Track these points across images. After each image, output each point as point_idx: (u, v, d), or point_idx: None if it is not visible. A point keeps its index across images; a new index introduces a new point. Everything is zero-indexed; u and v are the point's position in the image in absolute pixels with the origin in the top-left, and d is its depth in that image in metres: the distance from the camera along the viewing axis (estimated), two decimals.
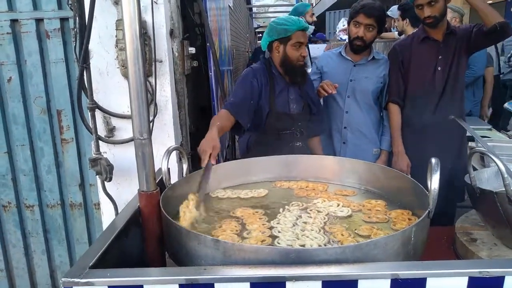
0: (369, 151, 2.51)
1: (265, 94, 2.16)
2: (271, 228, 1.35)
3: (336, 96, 2.47)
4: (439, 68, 2.40)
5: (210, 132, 1.72)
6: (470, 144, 2.72)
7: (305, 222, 1.37)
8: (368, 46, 2.43)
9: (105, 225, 2.18)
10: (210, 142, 1.61)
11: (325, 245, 1.22)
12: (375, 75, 2.48)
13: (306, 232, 1.30)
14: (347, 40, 2.55)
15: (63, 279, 0.97)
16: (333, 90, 2.28)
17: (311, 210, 1.47)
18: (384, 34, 4.31)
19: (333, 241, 1.25)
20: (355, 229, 1.33)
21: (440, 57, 2.40)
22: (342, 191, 1.67)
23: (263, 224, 1.37)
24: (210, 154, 1.56)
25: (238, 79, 2.32)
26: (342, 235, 1.29)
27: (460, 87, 2.46)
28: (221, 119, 1.93)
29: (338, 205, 1.52)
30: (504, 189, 1.30)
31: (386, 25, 4.84)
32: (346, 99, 2.48)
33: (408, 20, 3.76)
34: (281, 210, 1.48)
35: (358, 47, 2.41)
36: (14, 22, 2.40)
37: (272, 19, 2.48)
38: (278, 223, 1.37)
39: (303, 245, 1.21)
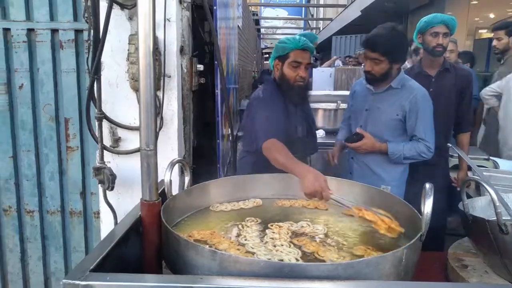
0: (375, 186, 2.39)
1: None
2: (239, 244, 1.36)
3: (353, 124, 2.48)
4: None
5: (303, 169, 1.68)
6: (469, 173, 2.76)
7: (272, 238, 1.40)
8: (382, 78, 2.27)
9: (103, 234, 2.20)
10: (318, 179, 1.61)
11: (301, 258, 1.27)
12: (390, 105, 2.28)
13: (278, 247, 1.33)
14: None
15: (63, 280, 1.01)
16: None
17: (272, 226, 1.50)
18: None
19: (307, 254, 1.30)
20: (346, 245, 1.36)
21: (431, 90, 2.62)
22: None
23: (231, 242, 1.36)
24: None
25: (260, 100, 2.16)
26: (313, 245, 1.34)
27: (450, 115, 2.74)
28: (284, 149, 1.85)
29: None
30: (495, 217, 1.33)
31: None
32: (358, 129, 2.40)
33: None
34: (239, 226, 1.50)
35: (370, 79, 2.32)
36: (30, 31, 2.49)
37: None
38: (245, 240, 1.38)
39: (282, 260, 1.24)
